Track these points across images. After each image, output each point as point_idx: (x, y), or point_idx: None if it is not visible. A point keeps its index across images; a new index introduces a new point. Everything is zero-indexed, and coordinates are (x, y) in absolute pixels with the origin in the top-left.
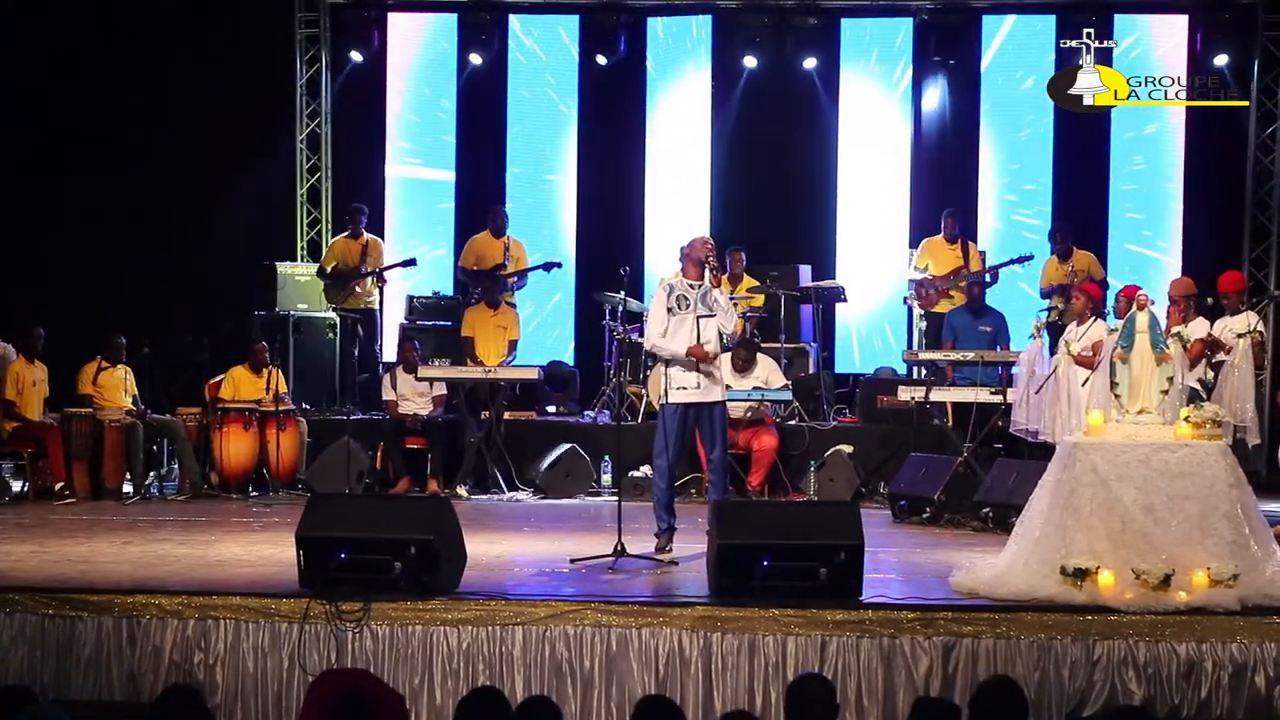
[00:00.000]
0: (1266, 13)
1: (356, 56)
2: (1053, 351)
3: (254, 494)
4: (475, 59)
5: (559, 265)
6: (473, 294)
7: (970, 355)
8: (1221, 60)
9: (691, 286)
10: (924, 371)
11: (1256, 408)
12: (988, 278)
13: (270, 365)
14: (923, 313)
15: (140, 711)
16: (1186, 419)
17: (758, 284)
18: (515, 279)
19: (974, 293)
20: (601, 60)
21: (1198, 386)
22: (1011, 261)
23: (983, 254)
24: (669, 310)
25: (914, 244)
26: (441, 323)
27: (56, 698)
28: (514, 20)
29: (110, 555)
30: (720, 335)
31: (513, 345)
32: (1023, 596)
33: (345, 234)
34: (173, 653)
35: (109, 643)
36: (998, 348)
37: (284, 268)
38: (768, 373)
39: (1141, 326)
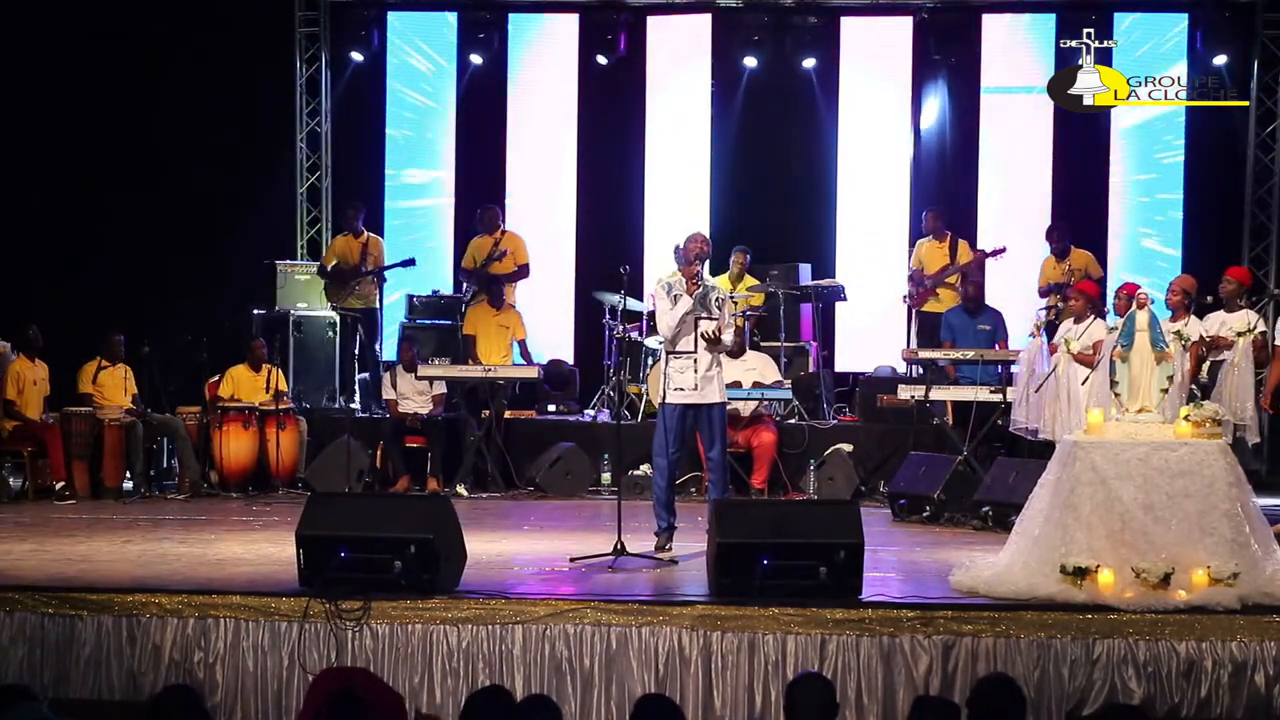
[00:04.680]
0: (1266, 12)
1: (356, 55)
2: (1052, 350)
3: (254, 493)
4: (475, 58)
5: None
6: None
7: (970, 354)
8: (1221, 60)
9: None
10: (923, 370)
11: (1256, 406)
12: (990, 260)
13: (268, 362)
14: (912, 311)
15: (140, 710)
16: (1186, 418)
17: (758, 283)
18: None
19: (969, 292)
20: (601, 59)
21: (1195, 389)
22: (986, 255)
23: (979, 252)
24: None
25: (914, 243)
26: (441, 321)
27: (56, 697)
28: (514, 19)
29: (110, 554)
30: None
31: (522, 345)
32: (1022, 595)
33: (346, 232)
34: (172, 651)
35: (109, 642)
36: (996, 346)
37: (284, 266)
38: (760, 364)
39: (1141, 325)
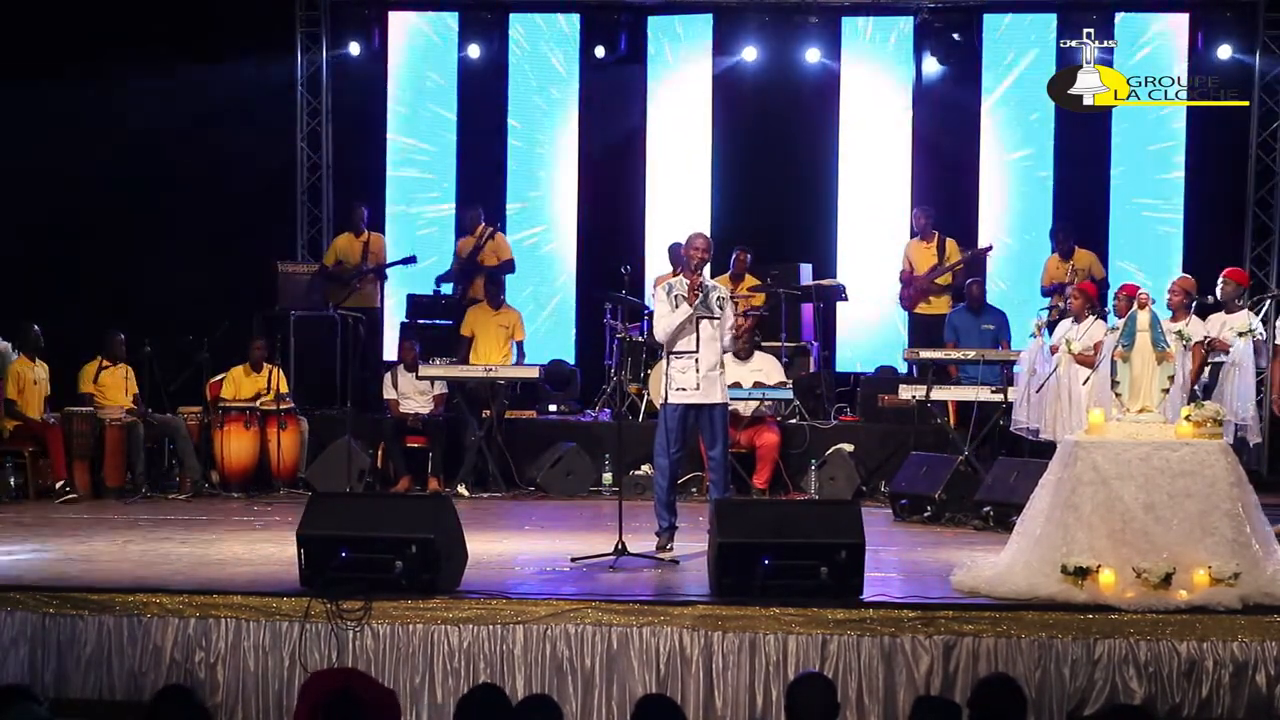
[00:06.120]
0: (1267, 11)
1: (357, 55)
2: (1053, 350)
3: (255, 493)
4: (475, 57)
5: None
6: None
7: (971, 354)
8: (1222, 59)
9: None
10: (926, 371)
11: (1257, 407)
12: (980, 258)
13: (269, 363)
14: (906, 313)
15: (141, 710)
16: (1187, 418)
17: (758, 283)
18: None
19: (974, 292)
20: (602, 58)
21: (1197, 390)
22: (973, 254)
23: (964, 252)
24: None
25: None
26: (443, 321)
27: (57, 697)
28: (514, 18)
29: (111, 554)
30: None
31: (519, 346)
32: (1024, 595)
33: (347, 231)
34: (174, 651)
35: (110, 642)
36: (999, 347)
37: (284, 266)
38: (767, 366)
39: (1142, 325)
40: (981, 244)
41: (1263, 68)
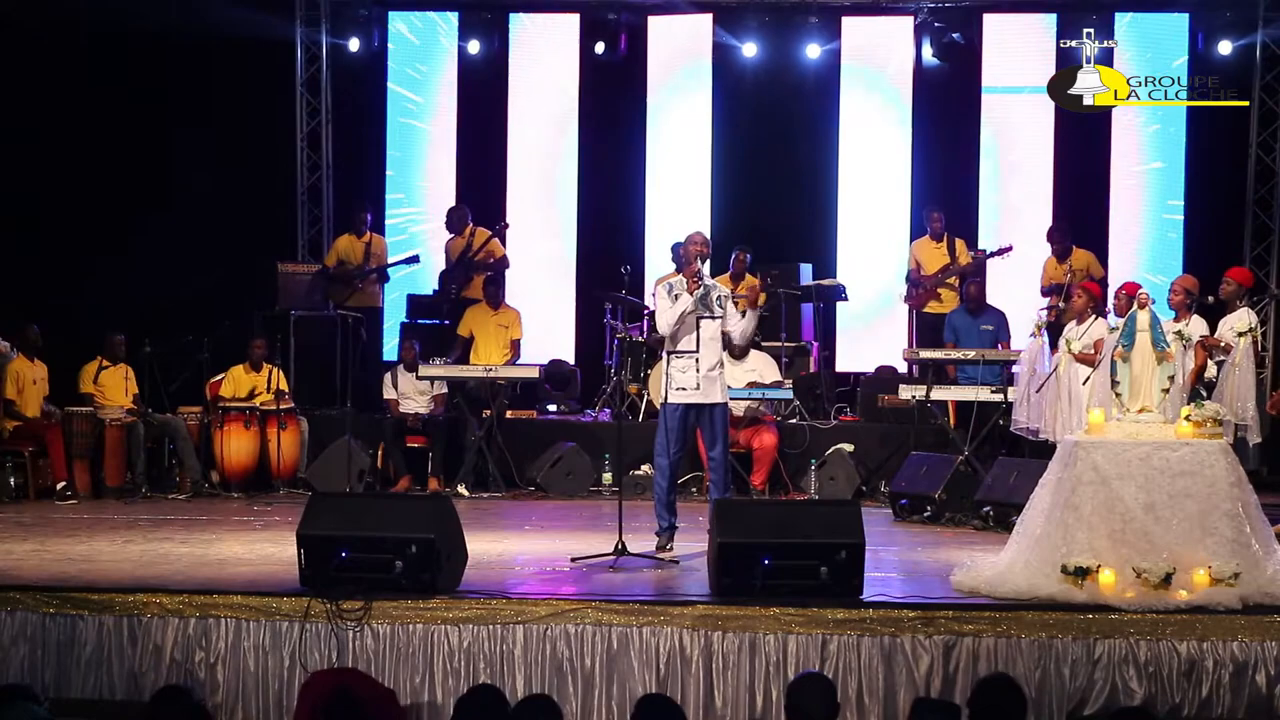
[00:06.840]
0: (1267, 11)
1: (357, 55)
2: (1053, 350)
3: (254, 493)
4: (476, 57)
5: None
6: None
7: (971, 354)
8: (1222, 59)
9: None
10: (926, 371)
11: (1257, 407)
12: (995, 259)
13: (269, 362)
14: (913, 312)
15: (141, 710)
16: (1187, 418)
17: (758, 283)
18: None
19: (972, 292)
20: (602, 59)
21: (1201, 389)
22: (991, 254)
23: (980, 251)
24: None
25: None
26: (442, 321)
27: (57, 697)
28: (514, 19)
29: (111, 554)
30: (724, 335)
31: (515, 345)
32: (1024, 595)
33: (348, 233)
34: (174, 651)
35: (110, 641)
36: (998, 347)
37: (284, 266)
38: (761, 365)
39: (1142, 325)
40: (982, 244)
41: (1262, 68)
